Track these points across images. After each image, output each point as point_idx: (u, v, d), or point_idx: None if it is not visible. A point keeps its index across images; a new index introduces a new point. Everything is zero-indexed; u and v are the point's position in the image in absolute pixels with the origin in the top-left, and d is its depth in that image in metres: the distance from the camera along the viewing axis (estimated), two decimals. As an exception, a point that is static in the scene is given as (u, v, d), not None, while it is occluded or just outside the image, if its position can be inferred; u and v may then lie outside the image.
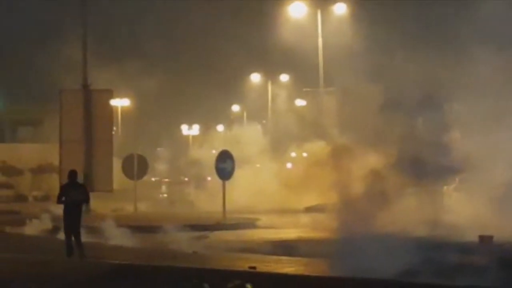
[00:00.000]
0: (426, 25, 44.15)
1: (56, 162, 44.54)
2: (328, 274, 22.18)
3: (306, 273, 22.30)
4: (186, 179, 69.50)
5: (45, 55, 55.46)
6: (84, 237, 30.87)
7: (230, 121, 70.27)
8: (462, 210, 30.91)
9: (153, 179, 64.14)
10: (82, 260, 25.62)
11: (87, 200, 27.45)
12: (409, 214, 26.75)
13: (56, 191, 44.64)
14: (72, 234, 26.46)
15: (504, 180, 30.33)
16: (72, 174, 27.34)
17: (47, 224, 35.82)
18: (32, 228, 36.01)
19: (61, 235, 28.36)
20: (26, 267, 23.79)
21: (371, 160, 47.91)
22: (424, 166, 29.48)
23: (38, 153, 55.95)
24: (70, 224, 26.49)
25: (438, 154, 29.71)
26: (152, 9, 68.05)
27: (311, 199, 51.12)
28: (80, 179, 38.85)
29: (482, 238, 28.22)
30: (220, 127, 75.32)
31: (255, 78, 75.42)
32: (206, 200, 53.66)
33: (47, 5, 51.47)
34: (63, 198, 26.54)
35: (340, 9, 64.67)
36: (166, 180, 70.30)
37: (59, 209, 27.51)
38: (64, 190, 26.93)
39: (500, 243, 27.55)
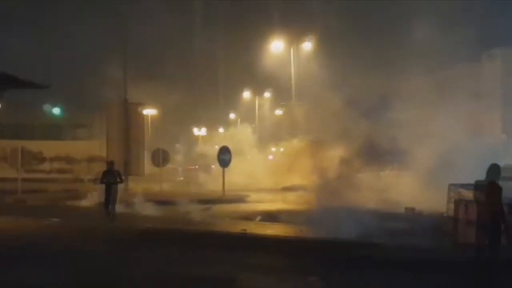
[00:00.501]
0: (373, 53, 43.77)
1: (104, 154, 44.39)
2: (298, 236, 22.09)
3: (281, 234, 22.22)
4: (196, 166, 69.23)
5: (95, 74, 55.41)
6: (123, 209, 30.97)
7: (228, 124, 69.98)
8: (394, 189, 30.81)
9: (173, 166, 63.76)
10: (113, 223, 26.10)
11: (120, 181, 27.81)
12: (361, 192, 26.69)
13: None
14: (109, 205, 27.06)
15: (424, 169, 30.23)
16: (110, 163, 28.31)
17: (96, 198, 35.81)
18: (86, 202, 35.91)
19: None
20: (74, 230, 23.87)
21: (331, 152, 47.85)
22: (371, 156, 29.46)
23: (91, 148, 55.63)
24: (108, 198, 27.10)
25: (380, 148, 29.69)
26: (172, 41, 67.94)
27: (287, 181, 51.06)
28: (120, 166, 38.98)
29: (407, 209, 28.16)
30: (221, 129, 75.00)
31: (246, 94, 75.22)
32: (211, 182, 53.49)
33: (98, 35, 51.23)
34: (104, 180, 27.32)
35: (308, 46, 64.83)
36: (182, 167, 70.00)
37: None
38: (103, 174, 27.56)
39: (420, 213, 27.52)
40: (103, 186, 27.29)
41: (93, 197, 35.83)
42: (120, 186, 28.43)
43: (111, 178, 27.38)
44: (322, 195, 29.07)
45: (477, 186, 14.51)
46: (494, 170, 14.15)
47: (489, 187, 14.13)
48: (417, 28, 35.10)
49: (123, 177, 28.81)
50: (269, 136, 63.74)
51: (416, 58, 33.72)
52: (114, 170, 27.77)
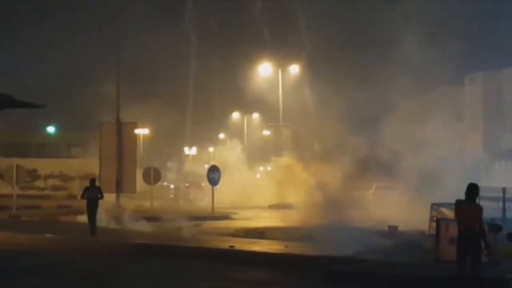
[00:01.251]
0: (358, 75, 43.75)
1: (97, 172, 44.24)
2: (284, 251, 22.04)
3: (269, 251, 22.18)
4: (187, 184, 69.18)
5: (89, 93, 55.40)
6: (114, 224, 30.93)
7: (218, 144, 70.08)
8: (376, 208, 30.81)
9: (164, 183, 63.69)
10: (93, 236, 26.54)
11: (101, 197, 28.19)
12: (345, 210, 26.62)
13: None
14: (91, 219, 27.56)
15: (408, 188, 30.23)
16: (92, 180, 28.92)
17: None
18: (79, 218, 35.79)
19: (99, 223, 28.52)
20: (62, 244, 23.90)
21: (317, 171, 47.75)
22: (354, 176, 29.48)
23: (85, 165, 55.43)
24: (90, 213, 27.65)
25: (361, 169, 29.71)
26: (164, 63, 67.98)
27: (273, 199, 51.12)
28: (112, 184, 39.06)
29: (390, 227, 28.14)
30: (211, 149, 75.07)
31: (236, 115, 75.52)
32: (200, 199, 53.48)
33: (92, 55, 51.24)
34: (85, 196, 27.83)
35: (295, 69, 65.17)
36: (173, 185, 69.88)
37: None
38: (85, 190, 28.17)
39: (403, 231, 27.49)
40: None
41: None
42: (109, 203, 28.63)
43: (92, 194, 27.84)
44: (308, 213, 29.07)
45: (457, 205, 14.51)
46: (473, 189, 14.18)
47: (469, 206, 14.15)
48: (402, 51, 35.24)
49: (103, 194, 28.90)
50: (257, 155, 63.80)
51: (401, 80, 33.78)
52: (96, 186, 28.38)
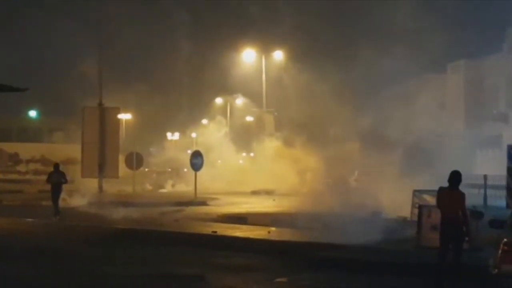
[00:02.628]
0: (341, 62, 43.39)
1: (79, 157, 44.11)
2: (266, 237, 22.07)
3: (252, 236, 22.21)
4: (169, 169, 69.08)
5: (71, 78, 55.24)
6: (96, 209, 30.97)
7: (201, 129, 69.93)
8: (359, 194, 30.84)
9: (146, 169, 63.56)
10: (56, 218, 27.70)
11: (65, 182, 29.72)
12: (327, 196, 26.67)
13: (78, 178, 44.55)
14: (55, 202, 28.80)
15: (390, 174, 30.21)
16: (55, 165, 30.45)
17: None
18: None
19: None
20: (42, 229, 23.92)
21: (299, 157, 47.81)
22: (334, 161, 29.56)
23: (66, 151, 55.18)
24: (54, 196, 28.95)
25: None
26: (148, 47, 67.88)
27: (255, 185, 51.12)
28: (95, 168, 39.15)
29: (373, 213, 28.16)
30: (193, 134, 74.94)
31: (219, 100, 75.48)
32: (183, 184, 53.46)
33: (74, 39, 50.96)
34: (50, 180, 29.44)
35: (278, 55, 65.15)
36: (155, 170, 69.74)
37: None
38: (50, 175, 29.79)
39: (385, 217, 27.53)
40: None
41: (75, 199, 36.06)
42: (93, 187, 28.87)
43: (57, 178, 29.19)
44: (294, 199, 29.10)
45: (440, 192, 14.57)
46: (456, 176, 14.24)
47: (452, 193, 14.21)
48: (387, 37, 35.20)
49: (67, 178, 30.60)
50: (240, 141, 63.78)
51: (385, 67, 33.75)
52: (60, 171, 29.78)
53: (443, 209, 14.32)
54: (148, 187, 56.48)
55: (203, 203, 38.28)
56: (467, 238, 14.44)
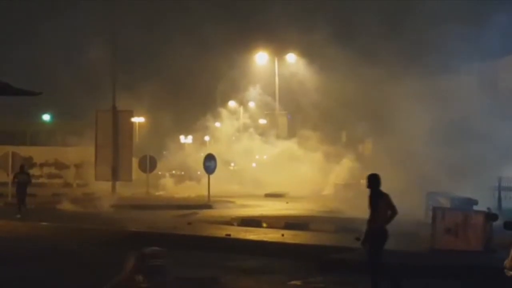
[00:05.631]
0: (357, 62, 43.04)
1: (92, 160, 44.27)
2: (280, 240, 22.09)
3: (265, 239, 22.24)
4: (182, 173, 69.12)
5: (84, 82, 55.48)
6: (111, 212, 31.03)
7: (214, 133, 69.97)
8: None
9: (159, 172, 63.62)
10: (22, 216, 29.34)
11: (29, 182, 31.69)
12: (340, 200, 26.69)
13: (92, 181, 44.64)
14: (21, 201, 30.55)
15: (403, 176, 30.11)
16: (21, 166, 32.74)
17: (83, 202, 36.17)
18: (72, 206, 35.99)
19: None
20: (57, 232, 23.98)
21: (315, 159, 47.61)
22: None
23: (80, 154, 55.44)
24: (20, 196, 30.66)
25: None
26: (161, 51, 68.10)
27: (269, 188, 51.08)
28: (108, 172, 39.46)
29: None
30: (206, 137, 75.04)
31: (232, 104, 75.59)
32: (196, 187, 53.51)
33: (88, 42, 51.07)
34: (16, 180, 31.35)
35: (291, 58, 65.13)
36: (168, 173, 69.78)
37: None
38: (15, 175, 31.85)
39: (398, 220, 27.39)
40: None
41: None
42: (106, 190, 29.09)
43: (22, 178, 31.12)
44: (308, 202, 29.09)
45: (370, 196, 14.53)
46: (375, 179, 14.28)
47: (377, 196, 14.22)
48: (402, 37, 34.94)
49: (31, 179, 33.20)
50: (253, 144, 63.78)
51: (400, 67, 33.61)
52: (25, 172, 32.00)
53: (372, 212, 14.35)
54: (160, 190, 56.60)
55: (217, 206, 38.27)
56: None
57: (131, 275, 11.87)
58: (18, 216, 29.55)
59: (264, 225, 26.93)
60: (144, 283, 11.76)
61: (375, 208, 14.13)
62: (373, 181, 14.25)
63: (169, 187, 56.34)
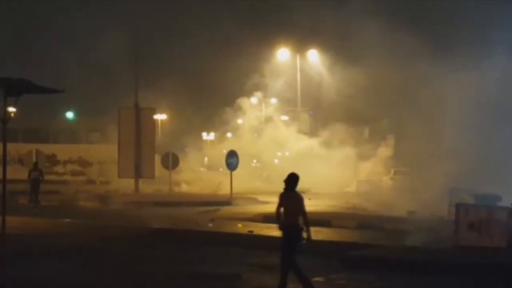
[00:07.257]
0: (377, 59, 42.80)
1: (115, 157, 44.46)
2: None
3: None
4: (204, 169, 69.21)
5: (107, 79, 55.63)
6: (133, 209, 31.12)
7: (236, 130, 69.93)
8: (395, 193, 30.69)
9: (182, 169, 63.61)
10: (36, 210, 31.37)
11: (42, 178, 33.79)
12: (362, 196, 26.61)
13: (115, 178, 44.80)
14: (34, 196, 33.05)
15: (423, 176, 29.98)
16: (35, 163, 34.68)
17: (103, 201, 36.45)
18: (97, 203, 36.09)
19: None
20: (81, 229, 24.05)
21: (336, 156, 47.49)
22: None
23: (103, 151, 55.70)
24: (33, 191, 33.06)
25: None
26: (183, 48, 68.09)
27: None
28: (131, 169, 39.76)
29: (409, 212, 28.02)
30: (229, 134, 75.08)
31: (254, 100, 75.60)
32: (219, 184, 53.50)
33: (111, 40, 51.14)
34: (30, 176, 33.29)
35: (313, 54, 64.96)
36: (191, 170, 69.80)
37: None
38: (30, 172, 33.57)
39: (421, 216, 27.33)
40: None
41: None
42: (129, 188, 29.26)
43: (35, 175, 33.09)
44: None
45: (281, 196, 14.40)
46: (293, 179, 14.18)
47: (291, 196, 14.13)
48: (424, 33, 34.61)
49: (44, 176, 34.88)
50: (275, 140, 63.63)
51: (422, 63, 33.37)
52: (38, 169, 33.73)
53: (285, 212, 14.25)
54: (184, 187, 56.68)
55: (239, 202, 38.27)
56: (305, 241, 14.21)
57: None
58: (35, 210, 31.23)
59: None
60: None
61: (292, 208, 14.02)
62: (292, 180, 14.15)
63: (192, 184, 56.29)
